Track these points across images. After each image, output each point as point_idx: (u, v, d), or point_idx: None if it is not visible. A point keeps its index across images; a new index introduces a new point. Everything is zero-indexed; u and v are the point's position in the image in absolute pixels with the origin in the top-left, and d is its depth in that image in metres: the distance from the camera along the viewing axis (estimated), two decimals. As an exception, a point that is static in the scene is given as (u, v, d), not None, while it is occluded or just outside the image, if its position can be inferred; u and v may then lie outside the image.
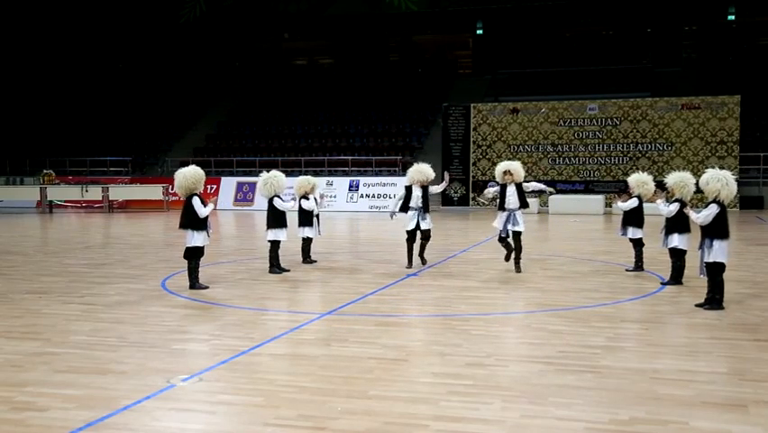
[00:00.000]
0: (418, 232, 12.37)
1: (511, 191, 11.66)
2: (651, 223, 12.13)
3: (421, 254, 12.43)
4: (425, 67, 44.48)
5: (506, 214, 11.67)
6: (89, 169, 36.30)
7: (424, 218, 12.21)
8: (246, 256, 14.35)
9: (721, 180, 8.58)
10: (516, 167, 11.82)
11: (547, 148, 30.06)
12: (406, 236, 12.50)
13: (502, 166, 11.92)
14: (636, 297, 9.79)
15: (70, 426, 5.03)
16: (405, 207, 12.34)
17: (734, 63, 37.67)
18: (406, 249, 12.51)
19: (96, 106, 42.38)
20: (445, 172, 14.12)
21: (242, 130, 39.11)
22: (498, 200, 11.94)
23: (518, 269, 11.78)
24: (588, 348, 7.00)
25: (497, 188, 11.99)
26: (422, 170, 12.46)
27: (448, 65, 44.96)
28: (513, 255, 11.88)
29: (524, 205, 11.73)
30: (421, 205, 12.24)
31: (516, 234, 11.75)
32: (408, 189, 12.34)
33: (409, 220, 12.32)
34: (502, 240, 11.90)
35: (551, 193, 13.15)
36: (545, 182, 28.19)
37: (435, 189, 12.92)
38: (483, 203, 12.87)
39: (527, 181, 12.18)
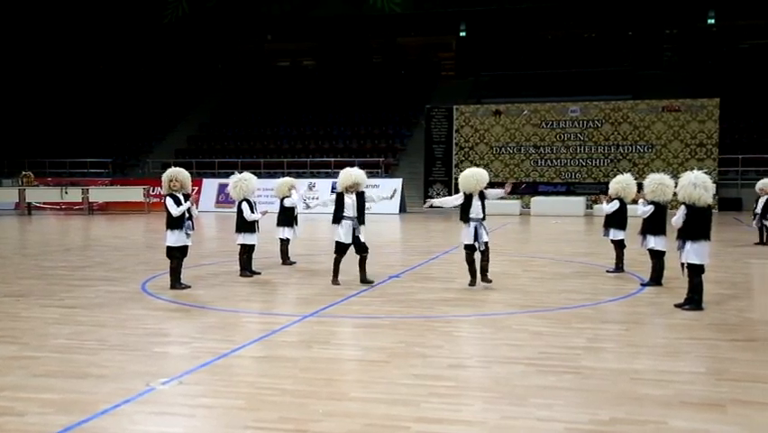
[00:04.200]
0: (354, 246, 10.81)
1: (477, 201, 10.38)
2: (632, 224, 12.20)
3: (364, 272, 10.87)
4: (409, 68, 44.58)
5: (473, 225, 10.35)
6: (69, 170, 36.06)
7: (359, 231, 10.68)
8: (227, 258, 14.29)
9: (691, 183, 8.65)
10: (481, 175, 10.44)
11: (529, 150, 30.20)
12: (335, 248, 10.87)
13: (468, 173, 10.47)
14: (617, 298, 9.84)
15: (48, 430, 4.98)
16: (338, 218, 10.72)
17: (713, 66, 38.02)
18: (333, 262, 10.91)
19: (76, 107, 42.10)
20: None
21: (225, 131, 38.99)
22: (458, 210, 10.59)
23: (487, 278, 10.50)
24: (568, 349, 7.02)
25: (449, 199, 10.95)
26: (352, 176, 10.76)
27: (431, 67, 45.08)
28: (480, 269, 10.54)
29: (484, 216, 10.46)
30: (356, 214, 10.67)
31: (486, 245, 10.44)
32: (340, 197, 10.76)
33: (344, 232, 10.66)
34: (471, 259, 10.57)
35: (509, 193, 11.08)
36: (527, 183, 28.49)
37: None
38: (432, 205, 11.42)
39: (487, 188, 10.58)
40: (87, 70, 45.65)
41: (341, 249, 10.82)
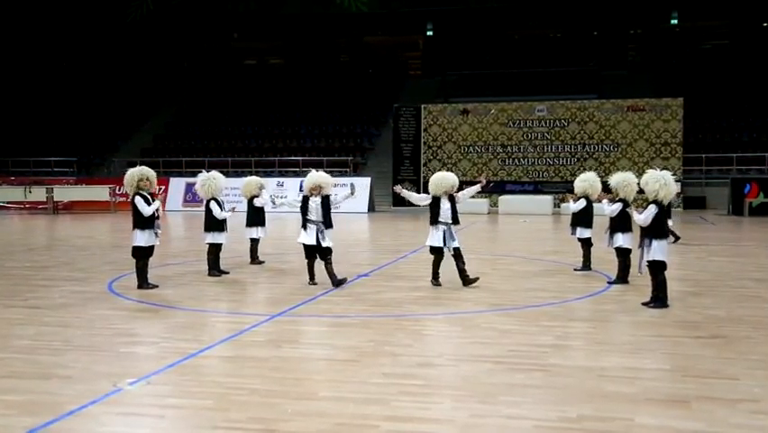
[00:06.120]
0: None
1: (445, 203, 10.46)
2: (597, 223, 12.33)
3: (332, 275, 10.46)
4: (376, 67, 44.58)
5: (442, 228, 10.40)
6: (33, 169, 35.50)
7: (324, 236, 10.46)
8: (195, 258, 14.18)
9: (659, 181, 8.78)
10: (451, 178, 10.60)
11: (497, 149, 30.37)
12: (304, 251, 10.75)
13: (439, 177, 10.62)
14: (584, 296, 9.93)
15: (13, 433, 4.91)
16: (304, 221, 10.57)
17: (677, 66, 38.55)
18: (307, 263, 10.81)
19: (40, 106, 41.43)
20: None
21: (191, 130, 38.65)
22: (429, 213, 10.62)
23: (470, 280, 10.43)
24: (537, 347, 7.08)
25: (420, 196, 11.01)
26: (314, 179, 10.68)
27: (398, 66, 45.14)
28: (459, 274, 10.47)
29: (455, 221, 10.49)
30: (321, 219, 10.50)
31: (457, 250, 10.43)
32: (305, 200, 10.61)
33: (307, 235, 10.49)
34: (438, 261, 10.66)
35: (484, 187, 11.27)
36: (495, 183, 28.66)
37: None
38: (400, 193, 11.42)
39: (458, 191, 10.73)
40: (51, 68, 44.94)
41: (306, 252, 10.72)
